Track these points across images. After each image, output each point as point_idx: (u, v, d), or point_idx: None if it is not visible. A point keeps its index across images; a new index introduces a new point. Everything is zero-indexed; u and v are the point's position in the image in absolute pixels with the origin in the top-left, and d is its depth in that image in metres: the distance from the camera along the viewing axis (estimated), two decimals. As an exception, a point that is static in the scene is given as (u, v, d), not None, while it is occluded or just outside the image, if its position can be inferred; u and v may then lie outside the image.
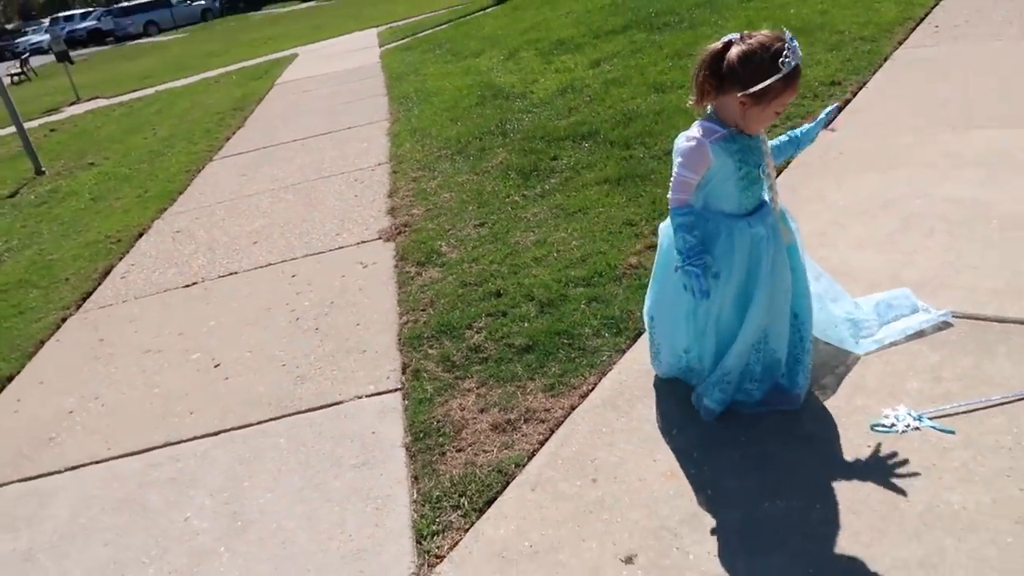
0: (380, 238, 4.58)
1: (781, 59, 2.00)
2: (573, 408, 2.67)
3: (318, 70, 12.57)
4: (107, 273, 5.04)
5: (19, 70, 21.45)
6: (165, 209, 6.21)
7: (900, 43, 5.69)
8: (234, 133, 8.67)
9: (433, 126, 6.64)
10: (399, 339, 3.37)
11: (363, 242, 4.60)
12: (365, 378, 3.17)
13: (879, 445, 2.20)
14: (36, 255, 5.71)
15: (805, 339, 2.40)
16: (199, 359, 3.65)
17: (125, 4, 32.71)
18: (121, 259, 5.27)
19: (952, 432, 2.19)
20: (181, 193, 6.60)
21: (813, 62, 5.55)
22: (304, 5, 32.36)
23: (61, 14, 38.70)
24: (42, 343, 4.19)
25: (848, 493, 2.06)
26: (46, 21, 36.17)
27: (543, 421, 2.65)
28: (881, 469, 2.12)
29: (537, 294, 3.40)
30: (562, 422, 2.61)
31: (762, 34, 2.07)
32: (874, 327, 2.68)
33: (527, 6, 12.84)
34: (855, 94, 4.93)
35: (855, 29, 6.10)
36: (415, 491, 2.47)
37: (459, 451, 2.61)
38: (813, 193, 3.78)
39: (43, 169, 8.49)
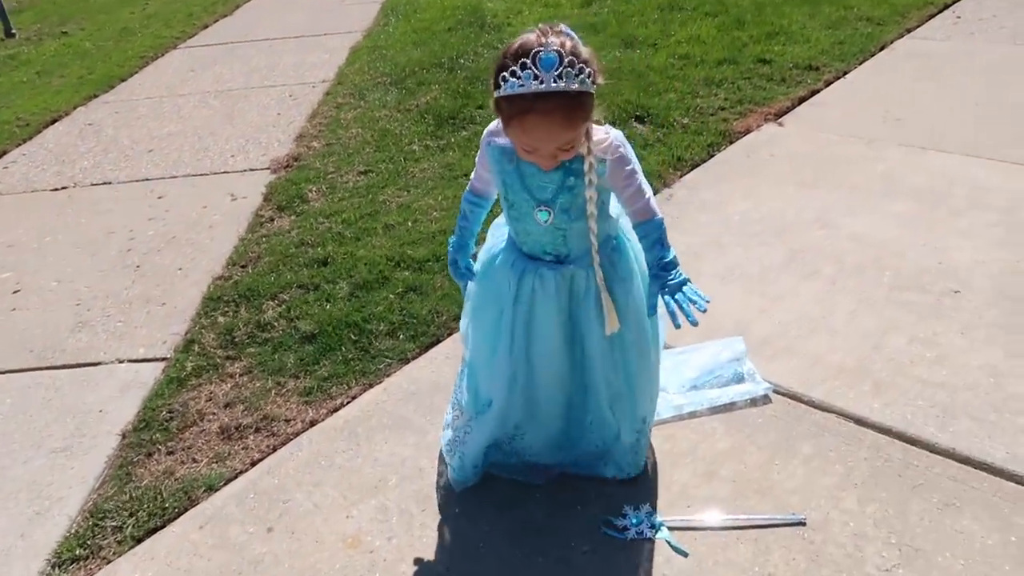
0: (269, 168, 4.17)
1: (502, 75, 1.47)
2: (313, 423, 2.30)
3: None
4: (-4, 159, 4.72)
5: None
6: (96, 96, 5.83)
7: (909, 31, 4.93)
8: (215, 22, 8.16)
9: (394, 47, 6.09)
10: (207, 298, 3.00)
11: (250, 170, 4.19)
12: (143, 338, 2.83)
13: (597, 549, 1.79)
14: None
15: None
16: (5, 280, 3.33)
17: None
18: (19, 146, 4.95)
19: (685, 555, 1.76)
20: (122, 81, 6.19)
21: (801, 39, 4.86)
22: None
23: None
24: None
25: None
26: None
27: (274, 435, 2.28)
28: (578, 587, 1.72)
29: (359, 271, 2.98)
30: (290, 440, 2.24)
31: (542, 29, 1.51)
32: (683, 387, 2.23)
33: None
34: (828, 84, 4.27)
35: (866, 7, 5.31)
36: (91, 499, 2.13)
37: (169, 454, 2.27)
38: (714, 198, 3.25)
39: (13, 32, 8.14)
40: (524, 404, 1.89)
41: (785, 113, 4.02)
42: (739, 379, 2.25)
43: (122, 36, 7.76)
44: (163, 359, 2.69)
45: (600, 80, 1.49)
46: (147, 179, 4.24)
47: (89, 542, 1.99)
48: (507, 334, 1.82)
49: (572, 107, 1.47)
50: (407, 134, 4.27)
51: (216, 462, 2.21)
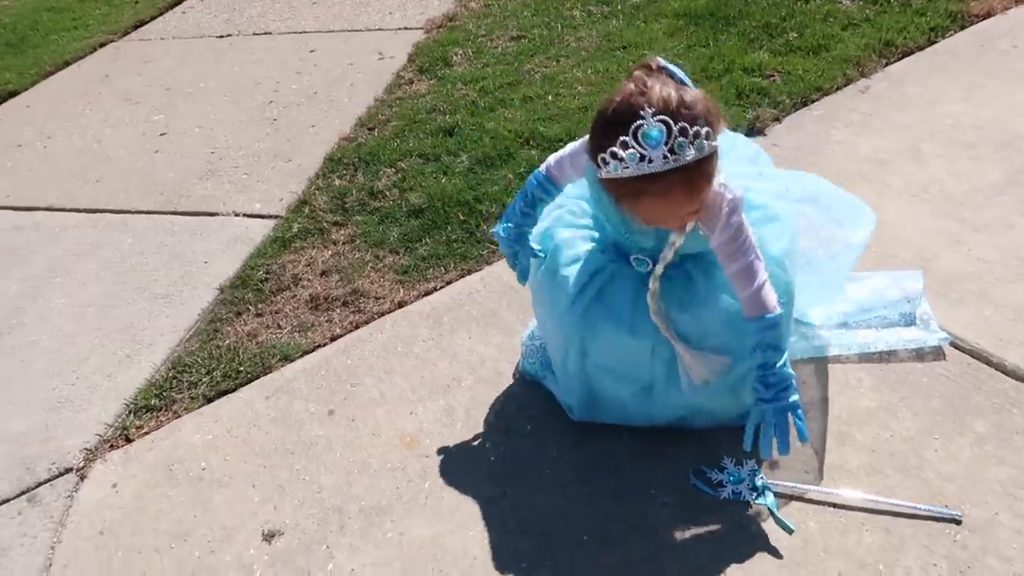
0: (422, 28, 3.91)
1: (601, 156, 1.21)
2: (401, 305, 2.12)
3: None
4: (174, 5, 4.80)
5: None
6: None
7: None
8: None
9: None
10: (328, 159, 2.86)
11: (404, 28, 3.96)
12: (262, 193, 2.76)
13: (680, 503, 1.49)
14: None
15: None
16: (156, 122, 3.38)
17: None
18: (198, -8, 5.01)
19: (790, 531, 1.42)
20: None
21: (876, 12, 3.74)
22: None
23: None
24: (66, 64, 4.12)
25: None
26: None
27: (360, 311, 2.13)
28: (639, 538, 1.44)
29: (484, 143, 2.70)
30: (374, 319, 2.08)
31: (638, 80, 1.21)
32: (830, 322, 1.81)
33: None
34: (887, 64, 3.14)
35: None
36: (177, 351, 2.10)
37: (258, 316, 2.18)
38: (923, 95, 2.62)
39: None
40: None
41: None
42: (908, 323, 1.79)
43: None
44: (275, 217, 2.60)
45: (721, 128, 1.23)
46: (304, 32, 4.13)
47: (165, 394, 1.96)
48: None
49: (692, 179, 1.21)
50: (570, 1, 3.83)
51: (298, 331, 2.09)
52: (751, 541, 1.42)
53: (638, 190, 1.22)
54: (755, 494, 1.48)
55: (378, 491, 1.61)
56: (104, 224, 2.71)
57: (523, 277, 1.63)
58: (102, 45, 4.32)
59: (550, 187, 1.54)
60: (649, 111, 1.16)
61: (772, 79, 2.82)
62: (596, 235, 1.57)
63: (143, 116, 3.45)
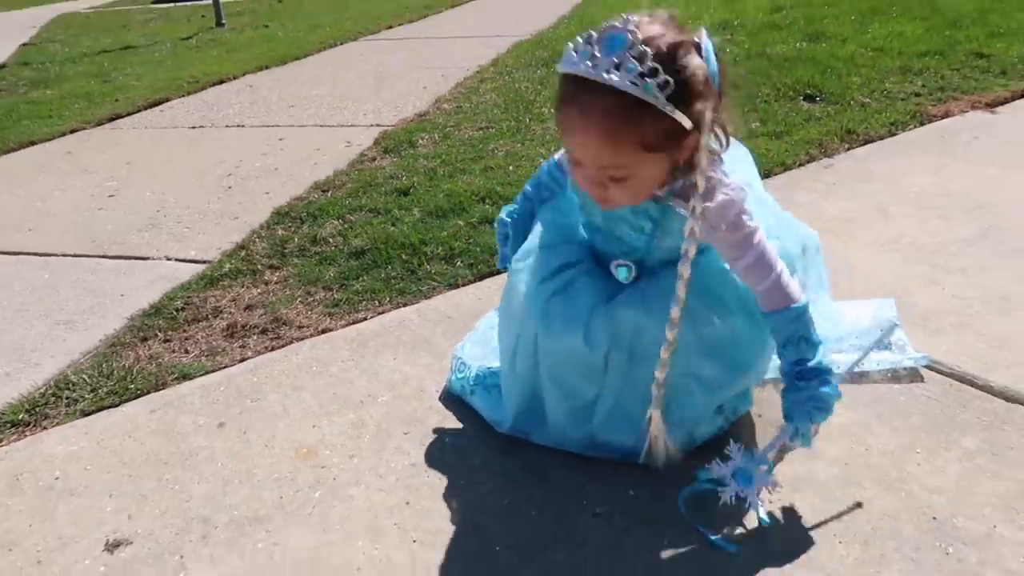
0: (395, 125, 3.94)
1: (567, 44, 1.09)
2: (324, 332, 1.90)
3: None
4: (153, 104, 4.86)
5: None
6: (266, 68, 5.96)
7: None
8: (400, 25, 8.34)
9: (559, 40, 5.80)
10: (276, 212, 2.74)
11: (376, 125, 3.98)
12: (200, 243, 2.59)
13: (614, 513, 1.23)
14: (130, 82, 5.72)
15: None
16: (108, 187, 3.28)
17: None
18: (181, 97, 5.08)
19: (733, 550, 1.16)
20: (296, 59, 6.33)
21: (836, 111, 3.97)
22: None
23: None
24: (31, 144, 4.08)
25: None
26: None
27: (279, 338, 1.91)
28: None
29: (438, 199, 2.60)
30: (286, 345, 1.86)
31: (654, 14, 1.09)
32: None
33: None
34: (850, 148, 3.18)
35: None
36: (66, 371, 1.85)
37: (165, 342, 1.96)
38: (886, 171, 2.58)
39: (223, 22, 8.77)
40: None
41: (1002, 104, 3.23)
42: (882, 349, 1.60)
43: (312, 29, 8.10)
44: (207, 262, 2.43)
45: (702, 110, 1.05)
46: (277, 125, 4.15)
47: (38, 409, 1.69)
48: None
49: (620, 115, 1.04)
50: (541, 100, 3.90)
51: (206, 355, 1.86)
52: (694, 557, 1.15)
53: (571, 95, 1.08)
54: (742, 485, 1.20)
55: (257, 500, 1.34)
56: (24, 263, 2.53)
57: (503, 261, 1.48)
58: (73, 131, 4.31)
59: (559, 174, 1.41)
60: (632, 25, 1.03)
61: (735, 155, 2.78)
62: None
63: (96, 183, 3.35)
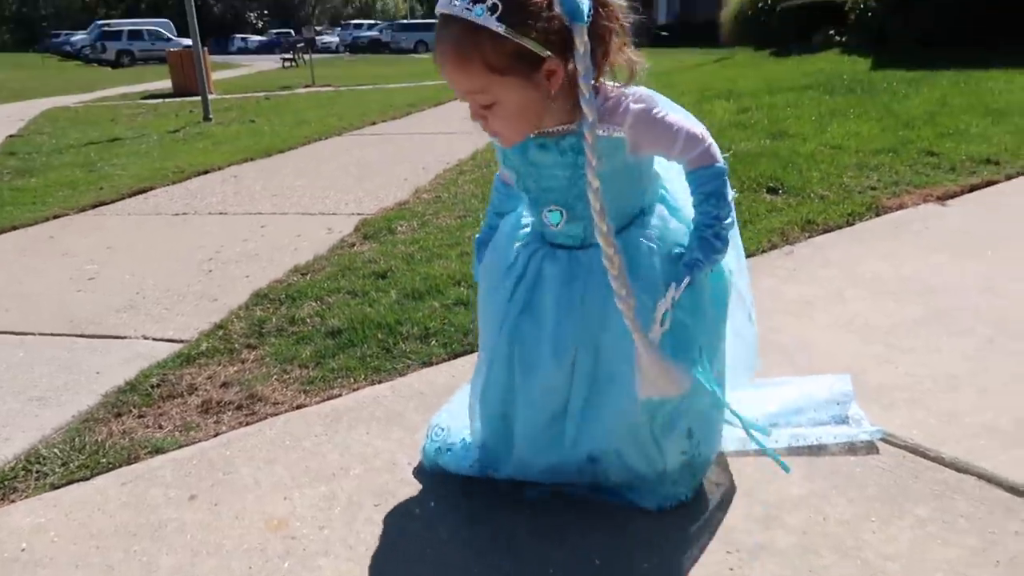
0: (374, 214, 4.05)
1: None
2: (299, 408, 1.93)
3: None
4: (137, 192, 4.96)
5: (290, 56, 24.10)
6: (251, 159, 6.14)
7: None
8: (384, 121, 8.64)
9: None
10: (255, 294, 2.79)
11: (357, 214, 4.09)
12: (178, 324, 2.63)
13: None
14: (115, 171, 5.84)
15: None
16: (88, 270, 3.32)
17: (404, 22, 36.70)
18: (166, 186, 5.19)
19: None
20: (280, 152, 6.52)
21: (981, 139, 4.24)
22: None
23: (352, 22, 44.61)
24: (13, 228, 4.13)
25: None
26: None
27: (254, 414, 1.93)
28: None
29: (415, 282, 2.68)
30: (260, 421, 1.88)
31: None
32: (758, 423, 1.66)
33: (749, 64, 11.83)
34: (1010, 178, 3.59)
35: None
36: (37, 445, 1.86)
37: (139, 417, 1.97)
38: (843, 257, 2.70)
39: (210, 117, 9.04)
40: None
41: (951, 197, 3.41)
42: (840, 422, 1.66)
43: (298, 125, 8.37)
44: (185, 341, 2.46)
45: (553, 38, 1.13)
46: (260, 213, 4.26)
47: (6, 483, 1.69)
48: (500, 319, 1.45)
49: (460, 40, 1.14)
50: (517, 191, 4.05)
51: (180, 431, 1.88)
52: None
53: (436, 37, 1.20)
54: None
55: (226, 571, 1.34)
56: (1, 343, 2.54)
57: (477, 276, 1.59)
58: (56, 217, 4.38)
59: (503, 185, 1.54)
60: None
61: (701, 243, 2.90)
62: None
63: (76, 266, 3.40)
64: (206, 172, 5.65)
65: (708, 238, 1.27)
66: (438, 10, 1.16)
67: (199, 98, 9.50)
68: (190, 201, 4.66)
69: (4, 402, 2.10)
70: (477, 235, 1.61)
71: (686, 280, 1.25)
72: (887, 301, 2.31)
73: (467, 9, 1.11)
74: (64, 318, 2.73)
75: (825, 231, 3.01)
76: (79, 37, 34.01)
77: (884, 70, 7.94)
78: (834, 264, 2.65)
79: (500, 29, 1.11)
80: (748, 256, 2.74)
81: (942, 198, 3.39)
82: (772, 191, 3.57)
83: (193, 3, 9.10)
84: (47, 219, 4.31)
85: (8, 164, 6.34)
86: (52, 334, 2.58)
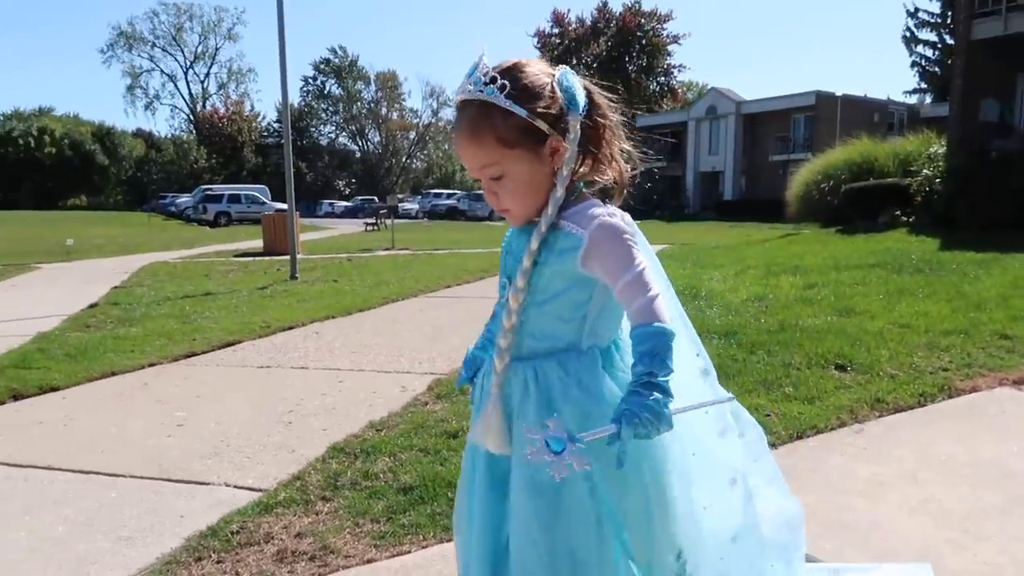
0: (447, 375, 4.22)
1: None
2: (369, 562, 1.99)
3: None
4: (226, 345, 5.27)
5: (373, 221, 25.63)
6: (332, 317, 6.48)
7: None
8: (459, 285, 9.04)
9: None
10: (332, 447, 2.92)
11: (430, 373, 4.27)
12: (258, 473, 2.76)
13: None
14: (207, 324, 6.25)
15: None
16: (177, 417, 3.53)
17: (479, 192, 39.18)
18: (252, 340, 5.52)
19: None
20: (360, 311, 6.88)
21: (866, 380, 4.17)
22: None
23: (432, 191, 47.63)
24: (112, 374, 4.43)
25: None
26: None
27: (325, 565, 2.00)
28: None
29: (484, 444, 2.75)
30: (332, 573, 1.94)
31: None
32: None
33: (816, 240, 12.05)
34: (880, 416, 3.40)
35: None
36: (121, 580, 1.96)
37: (218, 563, 2.07)
38: (916, 438, 2.68)
39: (296, 275, 9.62)
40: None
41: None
42: (912, 610, 1.62)
43: (377, 285, 8.82)
44: (264, 490, 2.57)
45: (555, 116, 1.26)
46: (339, 369, 4.47)
47: (91, 620, 1.78)
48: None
49: (474, 117, 1.28)
50: (586, 357, 4.16)
51: (257, 579, 1.95)
52: None
53: (455, 121, 1.32)
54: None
55: None
56: (93, 483, 2.70)
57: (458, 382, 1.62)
58: (151, 365, 4.68)
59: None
60: (485, 57, 1.28)
61: (768, 416, 2.93)
62: None
63: (167, 412, 3.61)
64: (291, 328, 5.98)
65: (639, 391, 1.15)
66: (456, 97, 1.31)
67: (287, 257, 10.18)
68: (274, 355, 4.93)
69: (95, 540, 2.22)
70: (470, 349, 1.57)
71: (610, 429, 1.12)
72: (962, 485, 2.27)
73: (480, 91, 1.25)
74: (153, 462, 2.89)
75: (896, 411, 3.00)
76: (184, 199, 37.09)
77: (952, 251, 8.00)
78: (906, 444, 2.63)
79: (507, 105, 1.24)
80: (815, 432, 2.77)
81: (1018, 382, 3.35)
82: (840, 368, 3.59)
83: (292, 172, 9.98)
84: (143, 367, 4.61)
85: (111, 313, 6.84)
86: (142, 477, 2.73)
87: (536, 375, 1.31)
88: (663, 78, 51.13)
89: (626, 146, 1.35)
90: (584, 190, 1.35)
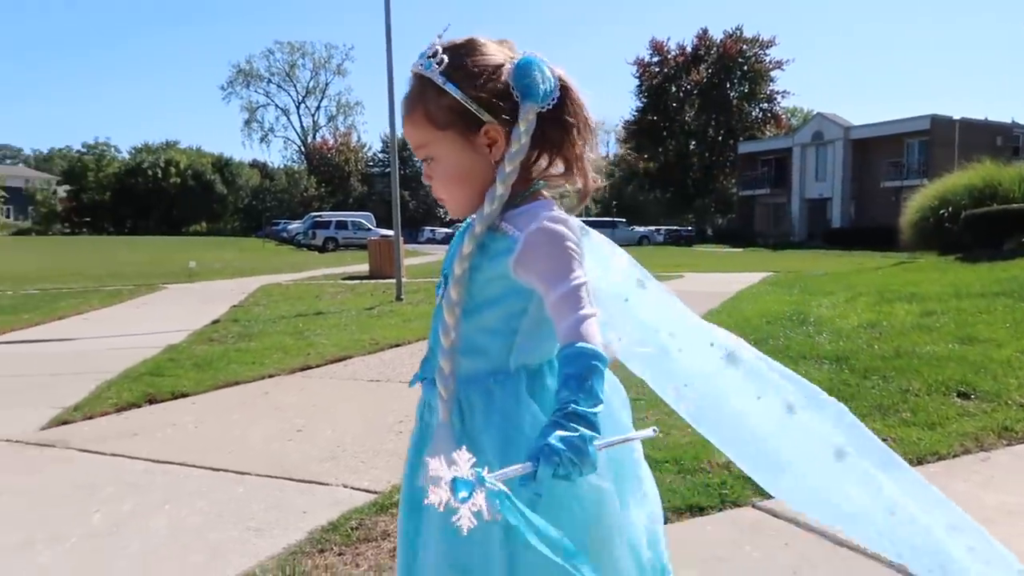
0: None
1: None
2: (482, 563, 2.05)
3: (686, 288, 12.72)
4: (339, 360, 5.51)
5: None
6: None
7: None
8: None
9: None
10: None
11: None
12: (373, 476, 2.90)
13: None
14: (319, 340, 6.54)
15: None
16: (296, 423, 3.71)
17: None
18: (362, 356, 5.74)
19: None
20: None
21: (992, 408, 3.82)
22: (717, 248, 33.41)
23: None
24: (236, 383, 4.71)
25: None
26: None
27: None
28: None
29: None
30: None
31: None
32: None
33: (933, 268, 11.48)
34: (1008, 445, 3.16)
35: None
36: (252, 570, 2.09)
37: (339, 555, 2.20)
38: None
39: (402, 297, 9.92)
40: None
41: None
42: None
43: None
44: (379, 492, 2.68)
45: (496, 102, 1.14)
46: (443, 384, 4.59)
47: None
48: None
49: (411, 91, 1.19)
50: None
51: (374, 570, 2.05)
52: None
53: None
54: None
55: None
56: (223, 479, 2.89)
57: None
58: (270, 376, 4.95)
59: None
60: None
61: (886, 441, 2.82)
62: None
63: (286, 419, 3.81)
64: (398, 345, 6.19)
65: (560, 421, 0.95)
66: (412, 68, 1.21)
67: (392, 280, 10.53)
68: (383, 370, 5.11)
69: (226, 530, 2.38)
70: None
71: (526, 467, 0.90)
72: (1104, 517, 2.14)
73: (421, 64, 1.17)
74: (276, 463, 3.06)
75: (1025, 440, 2.84)
76: (295, 226, 38.88)
77: (1089, 279, 7.46)
78: (1038, 476, 2.49)
79: (440, 81, 1.14)
80: (936, 459, 2.66)
81: None
82: (962, 395, 3.42)
83: (399, 201, 10.34)
84: (263, 377, 4.88)
85: (232, 329, 7.26)
86: (267, 475, 2.90)
87: (460, 406, 1.18)
88: (766, 104, 50.01)
89: (593, 155, 1.22)
90: (544, 192, 1.22)
